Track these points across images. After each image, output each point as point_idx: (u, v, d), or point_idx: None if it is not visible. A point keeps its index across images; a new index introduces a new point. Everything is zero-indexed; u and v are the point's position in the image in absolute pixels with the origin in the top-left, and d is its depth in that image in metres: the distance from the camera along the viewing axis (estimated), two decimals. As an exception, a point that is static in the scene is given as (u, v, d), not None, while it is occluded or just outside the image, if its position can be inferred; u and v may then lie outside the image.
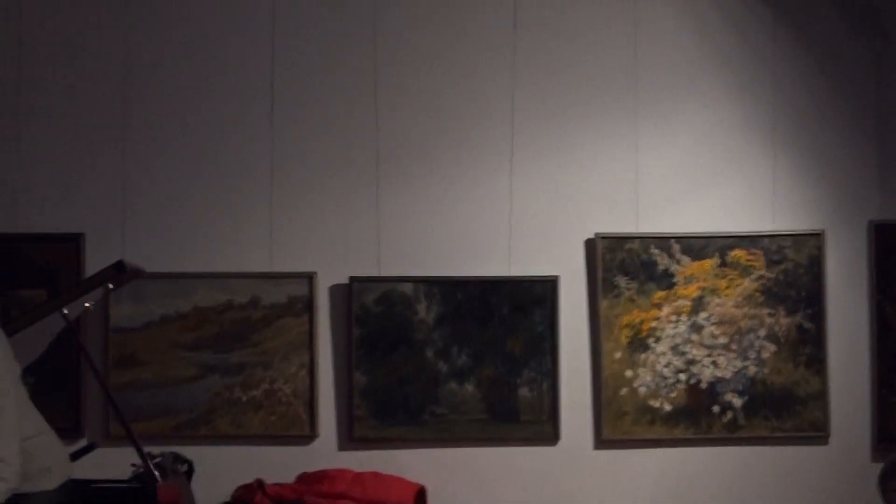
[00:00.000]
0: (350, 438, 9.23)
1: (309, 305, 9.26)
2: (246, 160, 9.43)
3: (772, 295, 9.27)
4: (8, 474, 5.63)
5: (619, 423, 9.20)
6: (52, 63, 9.44)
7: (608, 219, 9.23)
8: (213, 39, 9.49)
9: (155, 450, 7.79)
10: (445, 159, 9.43)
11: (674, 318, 9.19)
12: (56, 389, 9.03)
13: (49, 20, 9.45)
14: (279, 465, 9.13)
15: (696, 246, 9.23)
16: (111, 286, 7.68)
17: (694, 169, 9.37)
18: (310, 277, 9.26)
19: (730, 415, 9.19)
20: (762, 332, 9.24)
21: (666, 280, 9.22)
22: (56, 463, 6.24)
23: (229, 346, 9.25)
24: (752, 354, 9.24)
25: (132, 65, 9.38)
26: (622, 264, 9.22)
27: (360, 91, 9.44)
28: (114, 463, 7.82)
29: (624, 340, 9.22)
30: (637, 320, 9.24)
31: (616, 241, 9.13)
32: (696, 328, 9.22)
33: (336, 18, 9.50)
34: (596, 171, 9.35)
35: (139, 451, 7.31)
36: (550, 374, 9.21)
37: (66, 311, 7.33)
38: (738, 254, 9.26)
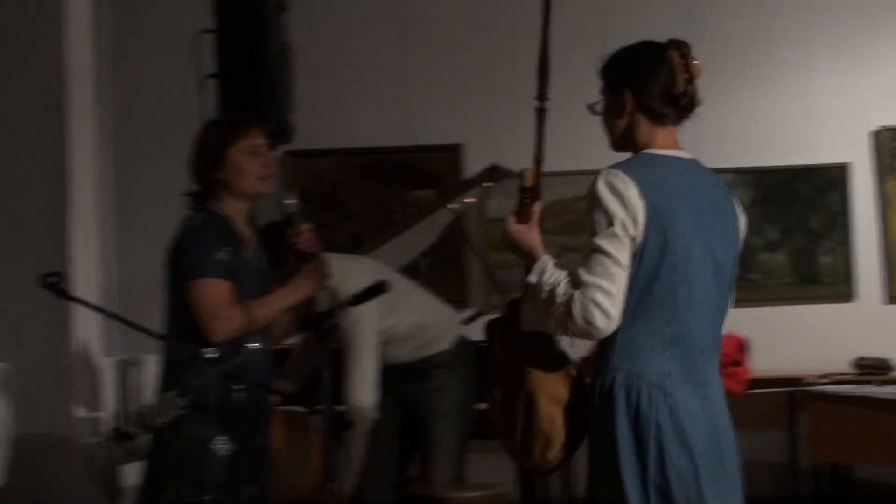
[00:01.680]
0: (684, 300, 9.51)
1: (644, 195, 9.57)
2: (583, 71, 9.67)
3: None
4: (366, 416, 5.98)
5: (906, 281, 9.46)
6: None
7: (891, 112, 9.42)
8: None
9: None
10: (754, 63, 9.58)
11: (951, 192, 9.36)
12: (446, 269, 9.38)
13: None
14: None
15: (966, 132, 9.30)
16: (487, 185, 8.05)
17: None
18: (651, 171, 9.56)
19: None
20: None
21: (942, 162, 9.35)
22: (446, 328, 6.52)
23: (580, 230, 9.58)
24: None
25: None
26: (903, 151, 9.40)
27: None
28: None
29: (907, 214, 9.45)
30: (917, 196, 9.44)
31: (897, 132, 9.32)
32: (965, 200, 9.34)
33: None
34: (879, 69, 9.47)
35: None
36: (846, 243, 9.41)
37: (451, 206, 7.74)
38: None
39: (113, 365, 8.34)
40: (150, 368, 8.49)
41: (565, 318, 3.81)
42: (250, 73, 6.63)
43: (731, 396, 8.94)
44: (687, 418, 3.91)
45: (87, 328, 7.39)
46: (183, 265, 4.92)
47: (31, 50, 7.28)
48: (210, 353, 4.62)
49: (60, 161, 7.26)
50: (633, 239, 3.85)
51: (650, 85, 4.01)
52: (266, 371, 5.02)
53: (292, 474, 6.01)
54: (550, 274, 3.91)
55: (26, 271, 6.83)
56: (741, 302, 9.14)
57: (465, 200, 8.12)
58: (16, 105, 7.27)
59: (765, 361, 9.16)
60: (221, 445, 4.80)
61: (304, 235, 4.94)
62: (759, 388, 8.95)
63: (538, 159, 4.28)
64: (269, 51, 6.68)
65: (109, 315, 5.78)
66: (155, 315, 5.45)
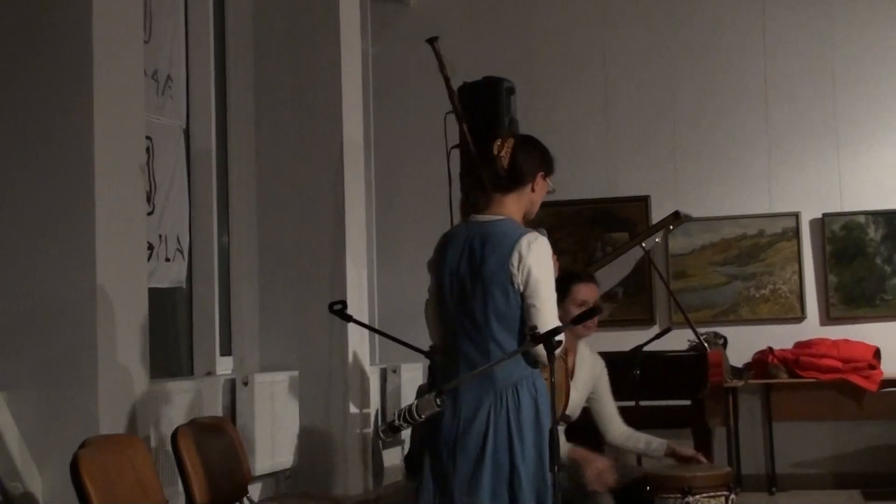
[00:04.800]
0: (827, 318, 9.30)
1: (796, 233, 9.36)
2: (746, 134, 9.51)
3: None
4: None
5: None
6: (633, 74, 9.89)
7: None
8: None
9: (702, 329, 8.12)
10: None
11: None
12: (637, 294, 9.42)
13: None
14: (781, 337, 9.18)
15: None
16: (671, 228, 8.00)
17: None
18: (796, 215, 9.36)
19: None
20: None
21: None
22: None
23: (746, 262, 9.42)
24: None
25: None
26: None
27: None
28: (676, 339, 7.70)
29: None
30: None
31: None
32: None
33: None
34: None
35: (694, 331, 7.68)
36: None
37: (643, 245, 7.66)
38: None
39: (377, 372, 8.53)
40: (405, 374, 8.71)
41: None
42: (486, 144, 6.64)
43: (867, 393, 8.88)
44: (441, 417, 4.15)
45: (358, 343, 7.37)
46: None
47: (317, 127, 7.41)
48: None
49: (340, 215, 7.34)
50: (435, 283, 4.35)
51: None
52: None
53: None
54: None
55: (313, 300, 7.15)
56: (877, 317, 9.12)
57: (657, 240, 8.15)
58: (306, 169, 7.40)
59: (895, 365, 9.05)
60: None
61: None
62: (890, 386, 8.85)
63: None
64: (501, 126, 6.58)
65: (381, 334, 5.96)
66: (407, 332, 5.58)
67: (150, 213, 6.26)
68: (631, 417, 6.21)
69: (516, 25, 9.92)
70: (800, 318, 9.37)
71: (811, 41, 9.49)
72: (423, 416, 4.13)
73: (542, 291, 4.17)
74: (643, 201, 9.61)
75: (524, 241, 4.19)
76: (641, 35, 9.79)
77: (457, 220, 6.74)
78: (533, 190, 4.37)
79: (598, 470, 5.18)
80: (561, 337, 4.08)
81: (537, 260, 4.17)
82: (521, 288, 4.16)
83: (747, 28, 9.60)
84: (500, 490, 4.12)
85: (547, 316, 4.17)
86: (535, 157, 4.40)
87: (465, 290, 4.23)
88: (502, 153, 4.32)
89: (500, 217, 4.29)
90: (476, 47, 9.59)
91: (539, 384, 4.21)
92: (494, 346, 4.17)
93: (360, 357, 7.44)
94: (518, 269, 4.16)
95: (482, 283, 4.19)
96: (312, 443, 7.28)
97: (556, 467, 3.95)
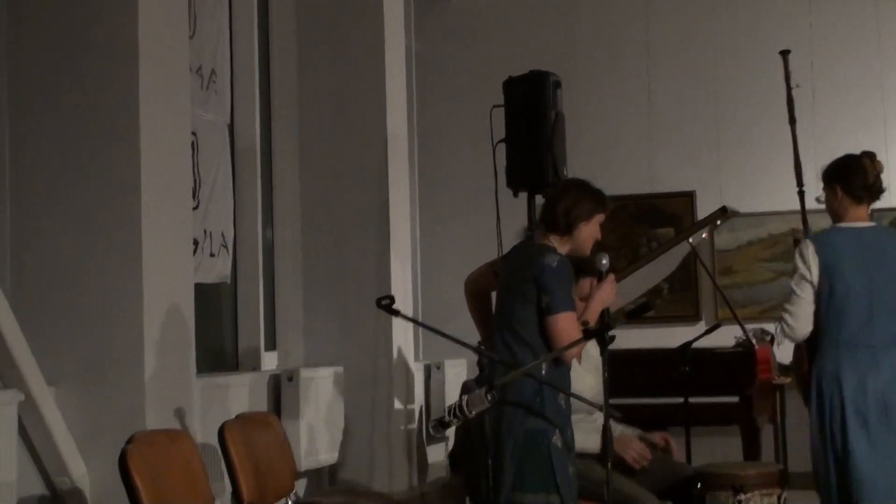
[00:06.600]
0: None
1: (844, 228, 9.40)
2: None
3: None
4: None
5: None
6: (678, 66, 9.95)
7: None
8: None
9: (749, 326, 7.92)
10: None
11: None
12: (683, 290, 9.37)
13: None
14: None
15: None
16: (717, 223, 7.91)
17: None
18: (841, 212, 9.37)
19: None
20: None
21: None
22: None
23: (793, 257, 9.43)
24: None
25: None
26: None
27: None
28: (722, 336, 7.42)
29: None
30: None
31: None
32: None
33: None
34: None
35: (742, 327, 7.55)
36: None
37: (690, 241, 7.61)
38: None
39: (421, 368, 8.56)
40: (449, 371, 8.72)
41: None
42: (532, 138, 6.63)
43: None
44: (850, 394, 5.01)
45: (402, 339, 7.44)
46: (546, 300, 4.78)
47: (361, 122, 7.48)
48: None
49: (384, 210, 7.39)
50: (810, 282, 5.17)
51: (852, 180, 5.18)
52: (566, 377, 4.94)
53: None
54: None
55: (358, 295, 7.20)
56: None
57: (703, 236, 8.10)
58: (350, 164, 7.46)
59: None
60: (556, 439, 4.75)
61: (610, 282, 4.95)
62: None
63: None
64: (547, 120, 6.66)
65: (429, 328, 5.94)
66: (451, 327, 5.58)
67: (194, 209, 6.26)
68: (679, 414, 6.22)
69: (558, 18, 9.91)
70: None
71: (858, 28, 9.43)
72: (473, 412, 4.15)
73: None
74: (689, 196, 9.57)
75: None
76: (685, 26, 9.75)
77: (503, 214, 6.79)
78: None
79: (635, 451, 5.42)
80: None
81: None
82: None
83: (793, 17, 9.52)
84: None
85: None
86: None
87: (875, 287, 5.07)
88: (877, 170, 5.17)
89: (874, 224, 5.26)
90: (518, 41, 9.69)
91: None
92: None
93: (405, 353, 7.50)
94: None
95: None
96: (357, 439, 7.33)
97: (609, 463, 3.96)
